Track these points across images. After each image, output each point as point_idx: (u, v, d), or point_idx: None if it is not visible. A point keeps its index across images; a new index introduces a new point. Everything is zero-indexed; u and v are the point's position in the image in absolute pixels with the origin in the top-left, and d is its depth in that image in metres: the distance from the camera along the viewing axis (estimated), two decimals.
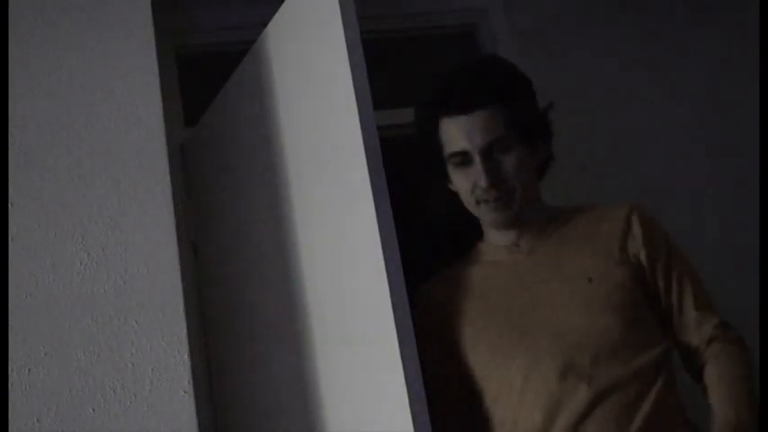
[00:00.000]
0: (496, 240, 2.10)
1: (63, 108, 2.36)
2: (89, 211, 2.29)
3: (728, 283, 2.54)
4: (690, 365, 1.99)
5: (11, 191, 2.27)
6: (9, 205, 2.26)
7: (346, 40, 1.95)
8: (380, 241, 1.85)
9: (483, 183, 1.97)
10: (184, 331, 2.22)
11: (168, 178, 2.34)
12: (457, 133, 1.99)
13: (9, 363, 2.14)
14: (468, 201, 2.04)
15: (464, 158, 2.00)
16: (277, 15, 2.31)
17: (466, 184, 2.01)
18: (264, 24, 2.36)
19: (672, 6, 3.18)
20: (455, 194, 2.11)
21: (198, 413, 2.18)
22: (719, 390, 1.86)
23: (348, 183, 1.96)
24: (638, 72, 3.09)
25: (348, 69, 1.94)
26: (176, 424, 2.15)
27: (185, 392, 2.18)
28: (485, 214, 2.04)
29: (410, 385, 1.78)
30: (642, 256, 1.97)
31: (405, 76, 3.23)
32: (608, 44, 3.11)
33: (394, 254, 1.85)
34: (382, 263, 1.84)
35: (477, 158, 1.97)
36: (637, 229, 1.99)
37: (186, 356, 2.20)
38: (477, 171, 1.97)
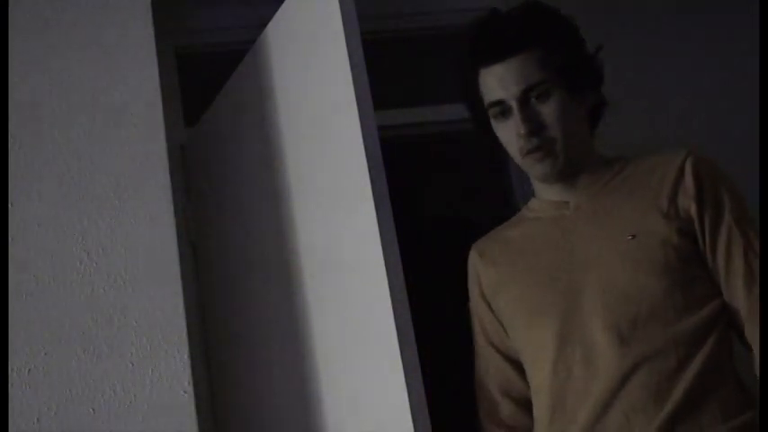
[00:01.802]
0: (545, 195, 1.98)
1: (63, 108, 2.36)
2: (89, 211, 2.29)
3: None
4: (735, 327, 1.84)
5: (11, 191, 2.27)
6: (9, 205, 2.26)
7: (346, 40, 1.95)
8: (380, 241, 1.85)
9: (521, 131, 1.85)
10: (184, 331, 2.22)
11: (168, 178, 2.34)
12: (493, 83, 1.88)
13: (9, 363, 2.14)
14: (513, 154, 1.92)
15: (502, 108, 1.89)
16: (277, 15, 2.31)
17: (507, 135, 1.89)
18: (264, 24, 2.36)
19: (672, 6, 3.18)
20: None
21: (198, 413, 2.18)
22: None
23: (348, 183, 1.96)
24: (638, 71, 3.09)
25: (348, 69, 1.94)
26: (176, 424, 2.15)
27: (185, 392, 2.18)
28: (530, 167, 1.92)
29: (410, 385, 1.78)
30: (692, 211, 1.82)
31: (405, 76, 3.24)
32: (607, 43, 3.11)
33: (394, 254, 1.85)
34: (382, 263, 1.84)
35: (514, 107, 1.86)
36: (689, 180, 1.83)
37: (186, 356, 2.20)
38: (515, 121, 1.86)
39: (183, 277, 2.28)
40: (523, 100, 1.86)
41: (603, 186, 1.90)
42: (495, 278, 1.99)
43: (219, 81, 2.59)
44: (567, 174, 1.91)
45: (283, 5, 2.27)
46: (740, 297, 1.80)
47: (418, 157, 3.68)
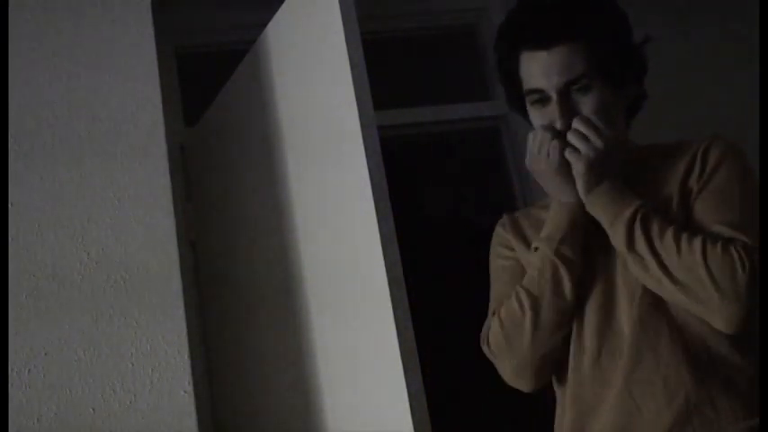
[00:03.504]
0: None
1: (63, 108, 2.36)
2: (89, 211, 2.29)
3: None
4: None
5: (11, 191, 2.27)
6: (9, 205, 2.26)
7: (346, 40, 1.95)
8: (380, 241, 1.85)
9: (558, 125, 1.81)
10: (184, 331, 2.22)
11: (168, 178, 2.34)
12: (536, 70, 1.82)
13: (9, 363, 2.15)
14: None
15: (541, 96, 1.83)
16: (277, 15, 2.31)
17: (542, 122, 1.84)
18: (264, 24, 2.36)
19: (672, 6, 3.18)
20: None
21: (198, 413, 2.18)
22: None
23: (348, 182, 1.96)
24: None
25: (348, 69, 1.94)
26: (176, 424, 2.15)
27: (185, 392, 2.18)
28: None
29: (410, 384, 1.78)
30: (694, 183, 1.77)
31: (405, 76, 3.24)
32: None
33: (394, 254, 1.85)
34: (382, 262, 1.84)
35: (554, 98, 1.81)
36: (698, 167, 1.78)
37: (186, 356, 2.20)
38: (553, 111, 1.81)
39: (183, 277, 2.28)
40: (564, 92, 1.80)
41: (627, 176, 1.82)
42: (522, 250, 1.96)
43: (219, 81, 2.60)
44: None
45: (283, 5, 2.27)
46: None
47: (418, 157, 3.68)
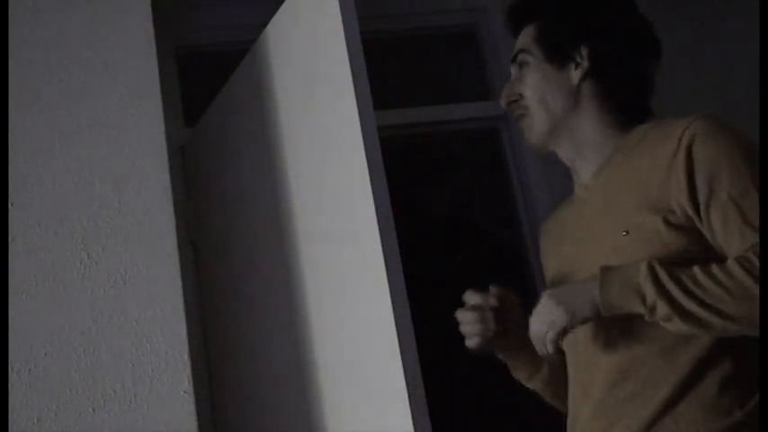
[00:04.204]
0: (576, 180, 1.90)
1: (63, 108, 2.36)
2: (89, 211, 2.29)
3: None
4: None
5: (11, 191, 2.27)
6: (9, 205, 2.26)
7: (346, 40, 1.96)
8: (380, 241, 1.85)
9: (502, 101, 1.90)
10: (184, 331, 2.22)
11: (168, 178, 2.34)
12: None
13: (9, 363, 2.14)
14: None
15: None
16: (277, 15, 2.31)
17: (501, 103, 1.92)
18: (264, 24, 2.36)
19: (672, 6, 3.18)
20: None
21: (198, 413, 2.18)
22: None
23: (348, 183, 1.96)
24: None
25: (348, 69, 1.94)
26: (176, 424, 2.15)
27: (185, 392, 2.18)
28: (523, 136, 1.92)
29: (410, 383, 1.78)
30: (684, 198, 1.63)
31: (405, 76, 3.24)
32: None
33: (394, 254, 1.85)
34: (382, 262, 1.84)
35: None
36: (681, 160, 1.64)
37: (186, 356, 2.20)
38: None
39: (183, 277, 2.28)
40: (514, 71, 1.89)
41: (614, 167, 1.79)
42: (543, 250, 2.00)
43: (219, 81, 2.60)
44: (546, 148, 1.87)
45: (283, 5, 2.27)
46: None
47: (418, 157, 3.68)
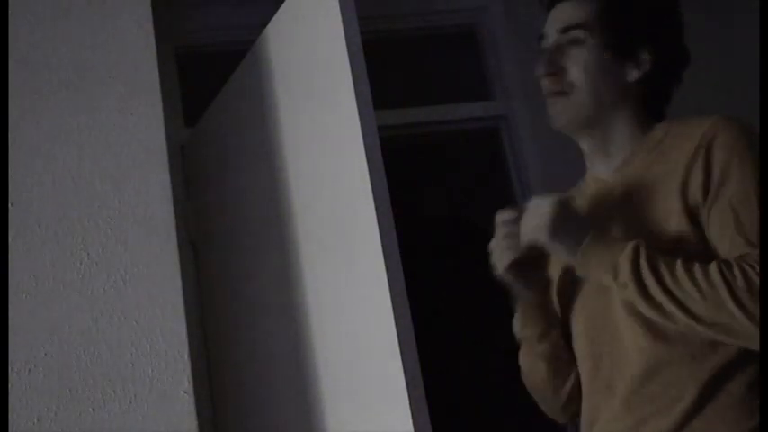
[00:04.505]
0: (590, 170, 1.85)
1: (63, 108, 2.36)
2: (89, 211, 2.29)
3: None
4: None
5: (11, 191, 2.27)
6: (9, 205, 2.26)
7: (346, 40, 1.95)
8: (380, 241, 1.85)
9: (542, 69, 1.77)
10: (184, 331, 2.22)
11: (168, 178, 2.34)
12: (546, 24, 1.81)
13: (9, 363, 2.15)
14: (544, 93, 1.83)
15: (543, 45, 1.80)
16: (277, 15, 2.31)
17: (537, 72, 1.79)
18: (264, 24, 2.36)
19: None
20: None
21: (198, 413, 2.18)
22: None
23: (348, 183, 1.96)
24: None
25: (348, 69, 1.94)
26: (176, 424, 2.15)
27: (185, 392, 2.18)
28: (549, 111, 1.80)
29: (410, 384, 1.78)
30: (699, 197, 1.61)
31: (405, 76, 3.24)
32: None
33: (394, 254, 1.85)
34: (382, 263, 1.84)
35: (547, 48, 1.79)
36: (701, 160, 1.62)
37: (186, 356, 2.20)
38: (542, 60, 1.78)
39: (183, 277, 2.28)
40: (557, 43, 1.77)
41: (635, 167, 1.75)
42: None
43: (219, 81, 2.60)
44: (583, 129, 1.79)
45: (283, 5, 2.27)
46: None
47: (418, 157, 3.68)
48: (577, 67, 1.75)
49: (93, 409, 2.15)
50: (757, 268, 1.51)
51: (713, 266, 1.54)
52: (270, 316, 2.32)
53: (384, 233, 1.86)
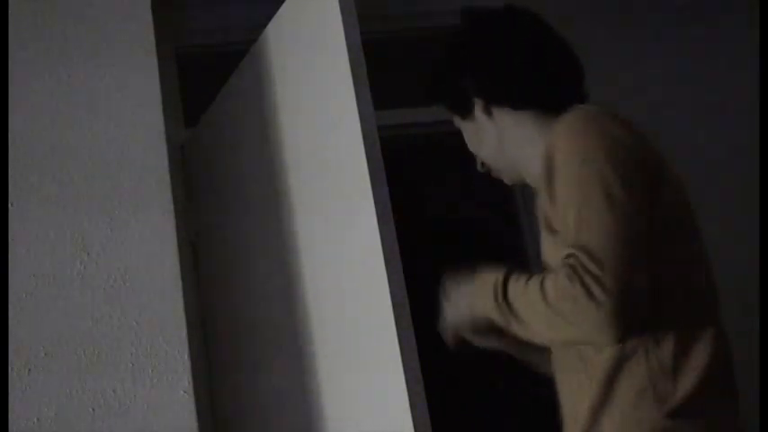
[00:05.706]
0: None
1: (63, 108, 2.37)
2: (89, 211, 2.29)
3: (728, 283, 2.54)
4: None
5: (11, 191, 2.27)
6: (9, 205, 2.27)
7: (346, 41, 1.96)
8: (380, 241, 1.85)
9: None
10: (184, 331, 2.23)
11: (168, 178, 2.34)
12: None
13: (9, 363, 2.15)
14: None
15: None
16: (277, 15, 2.31)
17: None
18: (264, 24, 2.36)
19: (672, 6, 3.18)
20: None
21: (198, 413, 2.18)
22: None
23: (348, 183, 1.96)
24: (639, 71, 3.10)
25: (348, 69, 1.94)
26: (176, 424, 2.15)
27: (185, 392, 2.18)
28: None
29: (409, 384, 1.78)
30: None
31: (405, 76, 3.24)
32: (608, 43, 3.12)
33: (394, 254, 1.85)
34: (382, 263, 1.84)
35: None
36: (543, 167, 1.60)
37: (186, 356, 2.20)
38: None
39: (183, 277, 2.28)
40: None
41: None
42: None
43: (219, 81, 2.60)
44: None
45: (283, 5, 2.27)
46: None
47: (418, 157, 3.68)
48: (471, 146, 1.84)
49: (93, 409, 2.15)
50: (579, 273, 1.46)
51: (536, 277, 1.54)
52: (270, 316, 2.32)
53: (384, 233, 1.86)
